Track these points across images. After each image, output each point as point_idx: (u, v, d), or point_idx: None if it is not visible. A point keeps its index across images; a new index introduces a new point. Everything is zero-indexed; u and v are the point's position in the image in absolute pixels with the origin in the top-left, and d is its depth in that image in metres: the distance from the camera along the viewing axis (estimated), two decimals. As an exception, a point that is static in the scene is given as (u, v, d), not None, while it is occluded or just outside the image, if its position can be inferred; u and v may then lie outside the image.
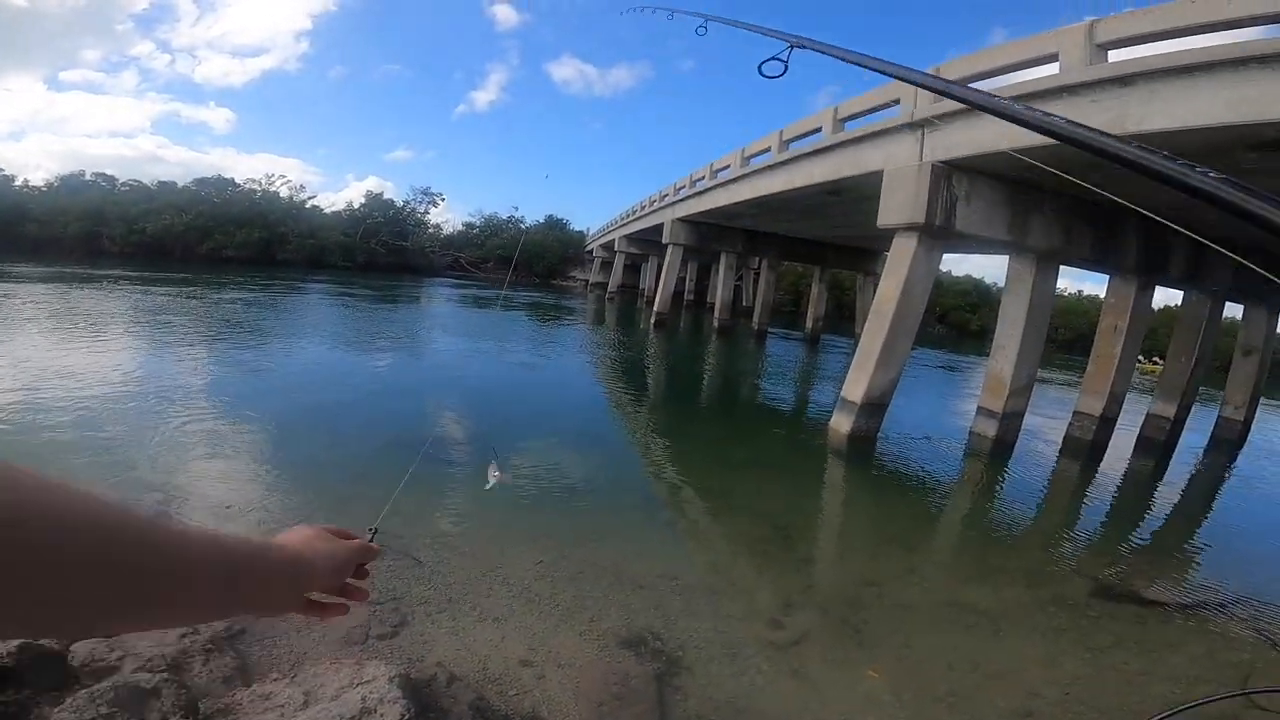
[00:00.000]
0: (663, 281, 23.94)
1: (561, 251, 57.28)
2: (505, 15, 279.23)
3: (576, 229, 62.61)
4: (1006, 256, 9.97)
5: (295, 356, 11.63)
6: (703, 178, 19.48)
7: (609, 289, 40.70)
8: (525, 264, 55.21)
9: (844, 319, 37.97)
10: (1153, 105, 5.98)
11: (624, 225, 35.87)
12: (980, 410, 9.99)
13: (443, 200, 58.28)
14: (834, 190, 12.05)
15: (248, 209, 45.34)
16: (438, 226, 57.96)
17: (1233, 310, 13.57)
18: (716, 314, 23.63)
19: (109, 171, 57.98)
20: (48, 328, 11.56)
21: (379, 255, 48.17)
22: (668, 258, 23.51)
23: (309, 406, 8.10)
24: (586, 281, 52.51)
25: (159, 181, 50.10)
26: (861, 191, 11.06)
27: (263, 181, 51.10)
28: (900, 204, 8.63)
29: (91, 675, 2.52)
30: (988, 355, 10.38)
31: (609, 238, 42.15)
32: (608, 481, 6.38)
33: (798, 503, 6.54)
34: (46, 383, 7.55)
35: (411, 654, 3.12)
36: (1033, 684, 3.62)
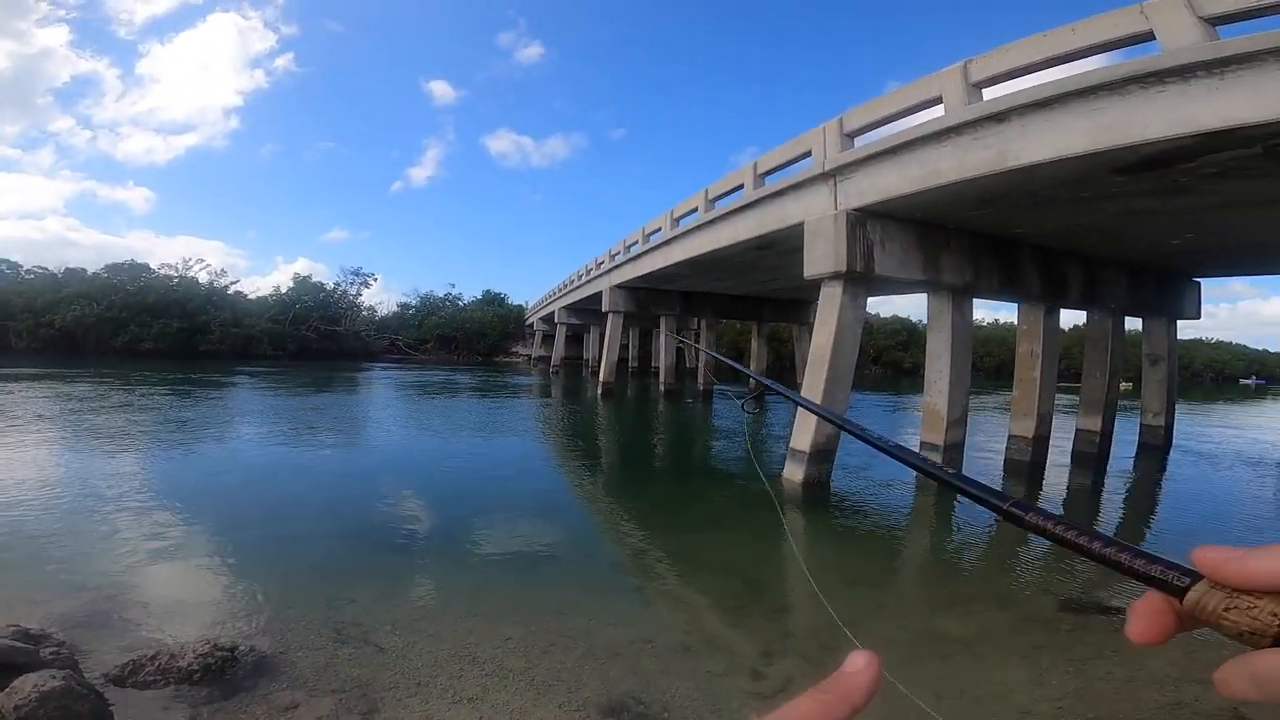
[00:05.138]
0: (606, 350, 24.00)
1: (502, 328, 57.15)
2: (443, 91, 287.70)
3: (515, 303, 62.93)
4: (925, 295, 10.49)
5: (230, 451, 10.83)
6: (636, 242, 19.84)
7: (553, 362, 40.53)
8: (466, 343, 54.63)
9: (784, 370, 38.95)
10: (1027, 140, 6.35)
11: (563, 295, 36.15)
12: (924, 445, 10.24)
13: (375, 280, 57.64)
14: (761, 245, 12.50)
15: (164, 296, 43.27)
16: (371, 309, 57.17)
17: (1133, 324, 14.64)
18: (662, 378, 23.75)
19: (13, 257, 54.85)
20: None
21: (311, 341, 46.71)
22: (609, 326, 23.65)
23: (259, 503, 7.75)
24: (529, 356, 52.27)
25: (66, 268, 47.07)
26: (788, 245, 11.50)
27: (179, 267, 49.11)
28: (823, 254, 9.00)
29: None
30: (922, 392, 10.77)
31: (549, 309, 42.36)
32: (571, 552, 6.31)
33: (763, 554, 6.39)
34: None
35: (386, 741, 2.92)
36: (1023, 703, 3.53)
